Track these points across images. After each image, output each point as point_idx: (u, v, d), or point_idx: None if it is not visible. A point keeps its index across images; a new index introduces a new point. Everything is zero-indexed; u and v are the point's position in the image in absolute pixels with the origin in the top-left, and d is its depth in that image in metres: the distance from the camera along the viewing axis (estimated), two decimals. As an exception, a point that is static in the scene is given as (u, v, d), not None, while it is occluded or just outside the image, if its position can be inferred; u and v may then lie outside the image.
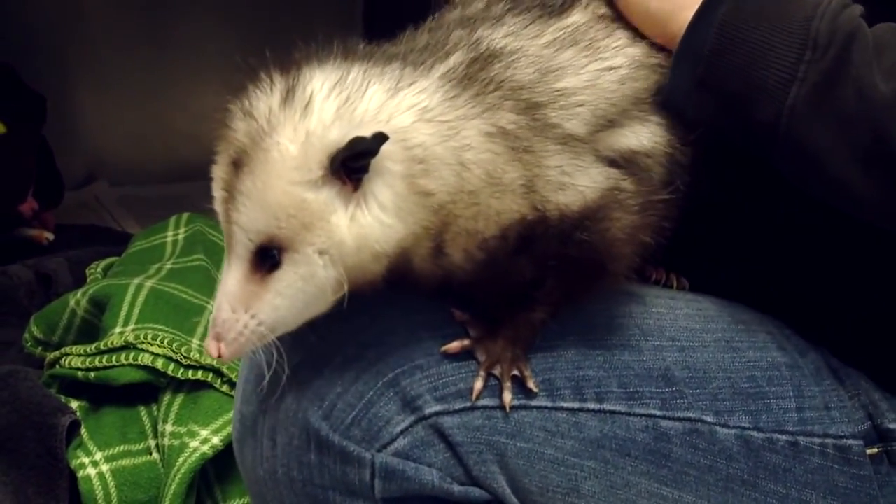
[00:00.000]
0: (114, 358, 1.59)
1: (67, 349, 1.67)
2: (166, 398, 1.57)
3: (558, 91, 0.89)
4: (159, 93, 2.81)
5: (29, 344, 1.79)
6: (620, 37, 0.96)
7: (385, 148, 0.80)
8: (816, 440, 1.00)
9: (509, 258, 0.89)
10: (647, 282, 1.10)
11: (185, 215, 2.15)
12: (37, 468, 1.45)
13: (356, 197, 0.82)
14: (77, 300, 1.76)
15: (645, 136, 0.93)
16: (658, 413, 0.96)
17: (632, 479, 0.95)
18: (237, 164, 0.83)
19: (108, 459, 1.49)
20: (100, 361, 1.59)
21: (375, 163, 0.81)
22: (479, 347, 0.92)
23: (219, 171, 0.85)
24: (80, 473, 1.45)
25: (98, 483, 1.46)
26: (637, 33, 0.97)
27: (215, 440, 1.46)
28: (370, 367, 0.91)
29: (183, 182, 2.73)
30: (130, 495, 1.46)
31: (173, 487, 1.42)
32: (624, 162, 0.91)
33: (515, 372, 0.92)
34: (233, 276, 0.84)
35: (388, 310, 0.94)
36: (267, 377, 0.89)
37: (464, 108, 0.85)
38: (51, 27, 2.76)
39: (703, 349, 1.00)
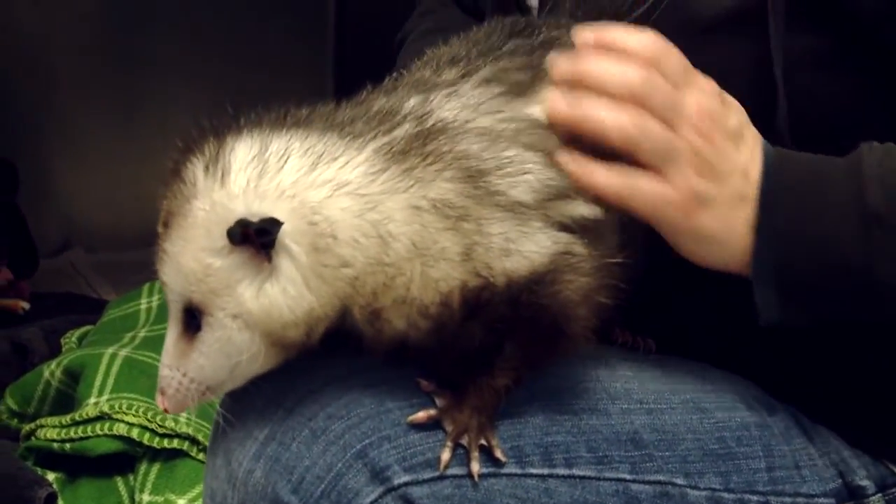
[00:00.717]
0: (89, 429, 1.59)
1: (43, 420, 1.66)
2: (142, 468, 1.57)
3: (506, 158, 0.89)
4: (132, 158, 2.81)
5: (5, 416, 1.79)
6: None
7: (287, 227, 0.82)
8: (787, 499, 1.00)
9: (458, 324, 0.89)
10: (614, 344, 1.10)
11: (159, 282, 2.14)
12: (13, 543, 1.45)
13: (267, 268, 0.84)
14: (52, 371, 1.75)
15: (598, 205, 0.93)
16: (628, 477, 0.95)
17: (603, 545, 0.95)
18: (166, 226, 0.86)
19: (86, 532, 1.48)
20: (75, 432, 1.59)
21: (280, 238, 0.83)
22: (446, 417, 0.92)
23: (159, 230, 0.88)
24: (59, 546, 1.45)
25: (76, 556, 1.45)
26: None
27: (192, 510, 1.45)
28: (338, 439, 0.90)
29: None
30: (108, 566, 1.46)
31: (150, 559, 1.42)
32: (577, 227, 0.91)
33: (483, 441, 0.91)
34: (169, 335, 0.88)
35: (354, 380, 0.94)
36: (234, 452, 0.89)
37: (389, 182, 0.85)
38: (23, 94, 2.77)
39: (671, 411, 1.00)
